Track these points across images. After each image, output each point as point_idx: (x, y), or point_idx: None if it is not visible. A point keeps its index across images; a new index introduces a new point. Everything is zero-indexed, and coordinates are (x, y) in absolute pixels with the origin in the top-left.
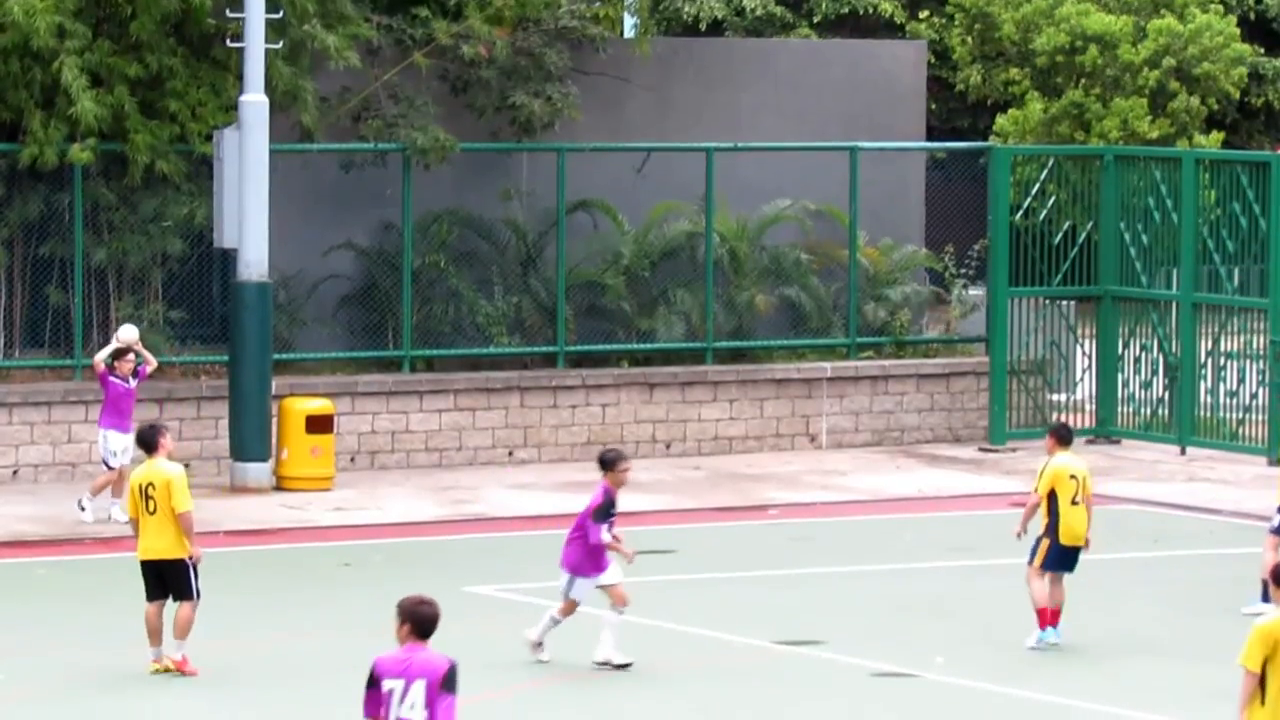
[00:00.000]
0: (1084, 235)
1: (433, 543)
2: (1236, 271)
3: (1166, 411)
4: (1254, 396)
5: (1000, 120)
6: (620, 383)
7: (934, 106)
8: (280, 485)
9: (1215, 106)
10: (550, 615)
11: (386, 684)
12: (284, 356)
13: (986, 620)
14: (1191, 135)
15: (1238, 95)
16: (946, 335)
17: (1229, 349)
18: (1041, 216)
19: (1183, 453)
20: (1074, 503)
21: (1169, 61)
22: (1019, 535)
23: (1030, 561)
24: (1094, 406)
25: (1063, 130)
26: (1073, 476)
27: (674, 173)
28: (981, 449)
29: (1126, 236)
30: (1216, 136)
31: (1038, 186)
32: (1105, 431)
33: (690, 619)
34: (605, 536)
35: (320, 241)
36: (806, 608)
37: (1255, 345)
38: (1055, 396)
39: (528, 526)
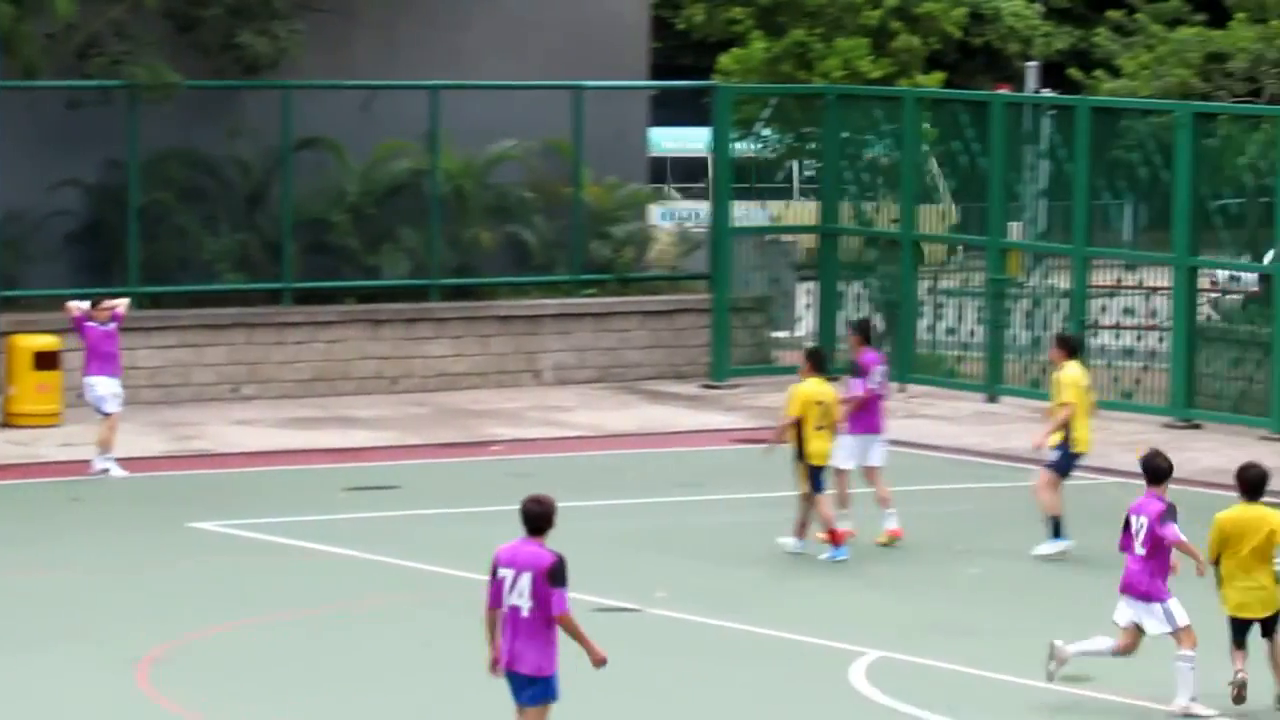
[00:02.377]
0: (806, 174)
1: (158, 478)
2: (957, 210)
3: (887, 348)
4: (972, 334)
5: (723, 59)
6: (346, 319)
7: (658, 45)
8: (8, 421)
9: (936, 46)
10: None
11: (501, 572)
12: (10, 293)
13: (707, 554)
14: (912, 75)
15: (959, 35)
16: (670, 273)
17: (948, 286)
18: (764, 155)
19: (902, 390)
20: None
21: (891, 1)
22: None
23: None
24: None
25: (786, 69)
26: (819, 402)
27: (400, 111)
28: (704, 385)
29: (848, 175)
30: (937, 76)
31: (760, 125)
32: (825, 369)
33: (415, 554)
34: None
35: (47, 179)
36: None
37: (974, 283)
38: (777, 333)
39: (253, 463)
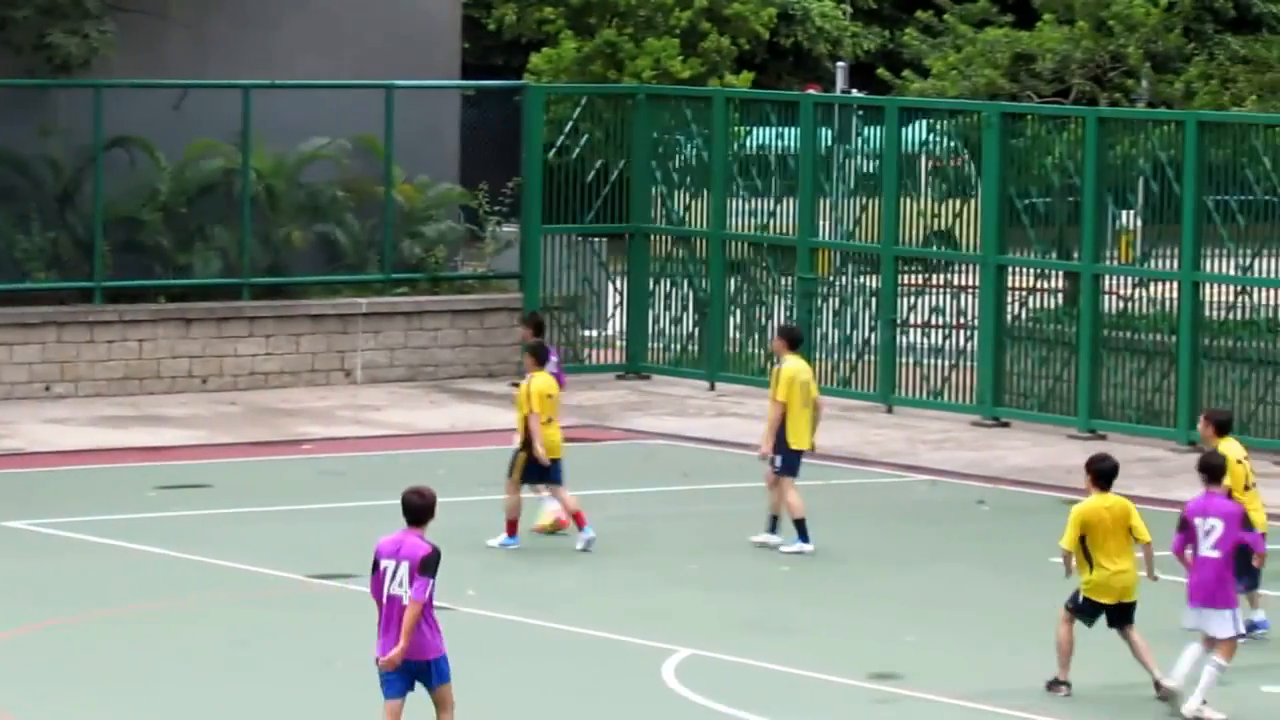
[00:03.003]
0: (617, 173)
1: None
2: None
3: (696, 347)
4: None
5: (534, 59)
6: (157, 318)
7: (469, 45)
8: None
9: (746, 46)
10: None
11: (383, 563)
12: None
13: (518, 552)
14: (722, 75)
15: (767, 36)
16: (481, 272)
17: (758, 285)
18: (575, 155)
19: (712, 388)
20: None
21: (700, 2)
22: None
23: None
24: (625, 343)
25: (596, 69)
26: (549, 395)
27: (213, 110)
28: (514, 384)
29: (658, 174)
30: (747, 76)
31: (571, 125)
32: (636, 367)
33: (225, 553)
34: None
35: None
36: (338, 541)
37: (784, 283)
38: (588, 332)
39: (64, 461)
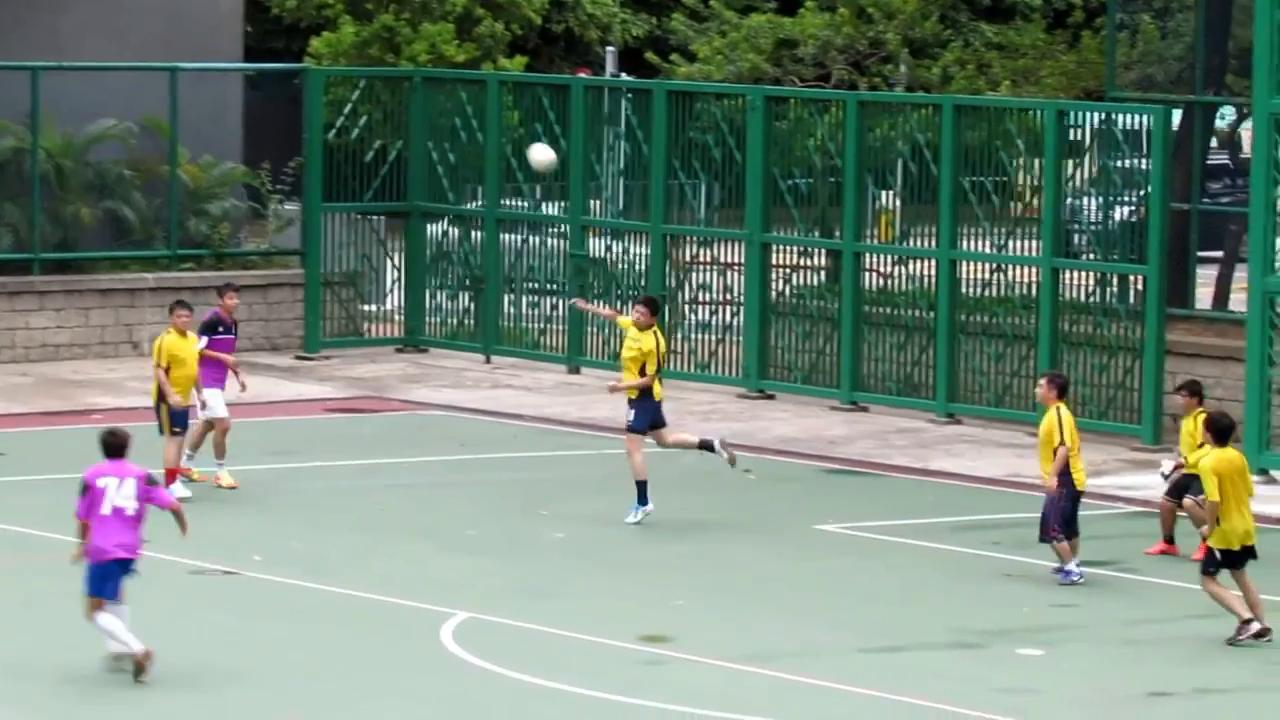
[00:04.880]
0: (395, 154)
1: None
2: (539, 189)
3: (472, 322)
4: (554, 307)
5: (315, 43)
6: None
7: (251, 29)
8: None
9: (519, 32)
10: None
11: (101, 482)
12: None
13: (303, 519)
14: (496, 59)
15: (540, 21)
16: (264, 248)
17: (531, 262)
18: (354, 136)
19: (488, 361)
20: None
21: None
22: None
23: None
24: (403, 317)
25: (374, 53)
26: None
27: (2, 91)
28: (298, 357)
29: (435, 155)
30: (520, 60)
31: (350, 107)
32: (414, 341)
33: (16, 518)
34: None
35: None
36: None
37: (556, 259)
38: (367, 307)
39: None
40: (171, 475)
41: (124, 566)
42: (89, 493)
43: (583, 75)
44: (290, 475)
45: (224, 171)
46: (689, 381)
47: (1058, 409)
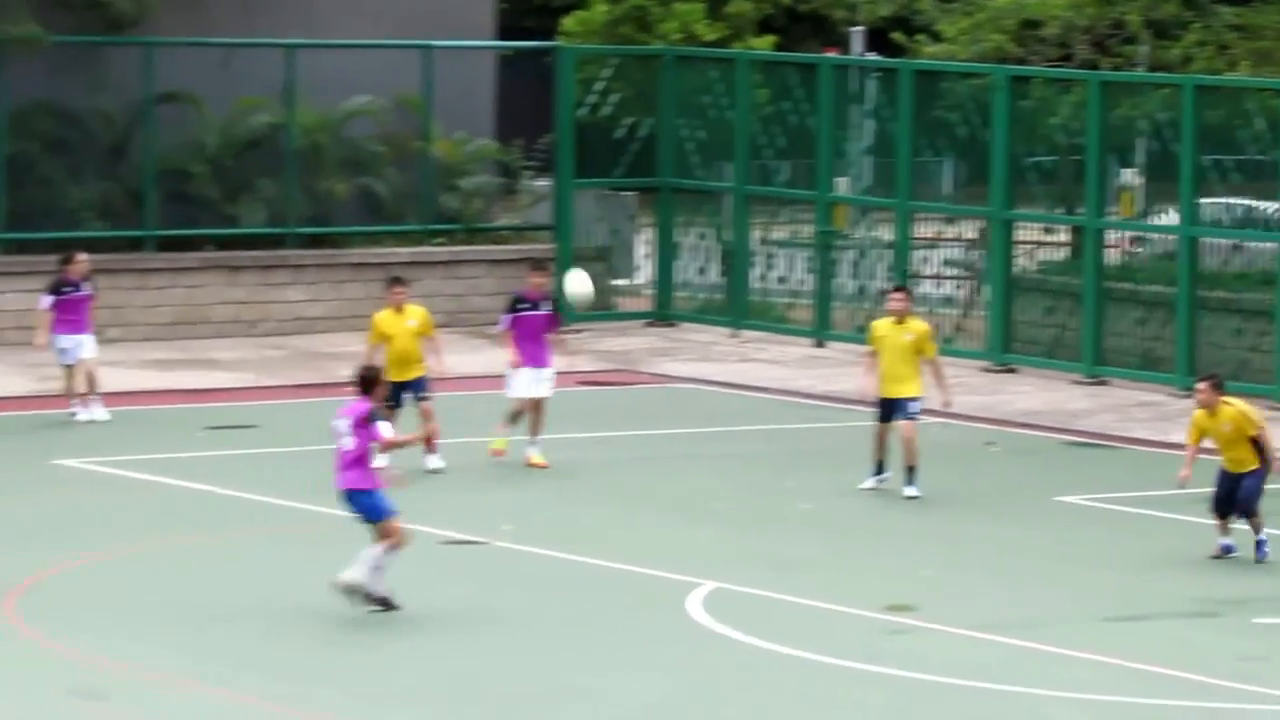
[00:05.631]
0: (645, 131)
1: (23, 417)
2: (786, 166)
3: (721, 296)
4: (801, 282)
5: (566, 21)
6: (205, 265)
7: (505, 7)
8: None
9: (769, 11)
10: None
11: (335, 423)
12: None
13: (553, 490)
14: (746, 38)
15: (788, 1)
16: (515, 223)
17: (779, 238)
18: (605, 113)
19: (736, 335)
20: None
21: None
22: None
23: None
24: (653, 291)
25: (625, 31)
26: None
27: (258, 68)
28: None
29: (684, 132)
30: (769, 39)
31: (601, 85)
32: (663, 315)
33: (270, 489)
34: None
35: None
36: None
37: (803, 235)
38: (618, 282)
39: (115, 402)
40: (429, 443)
41: (348, 499)
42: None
43: (830, 54)
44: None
45: (476, 148)
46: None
47: (1227, 403)
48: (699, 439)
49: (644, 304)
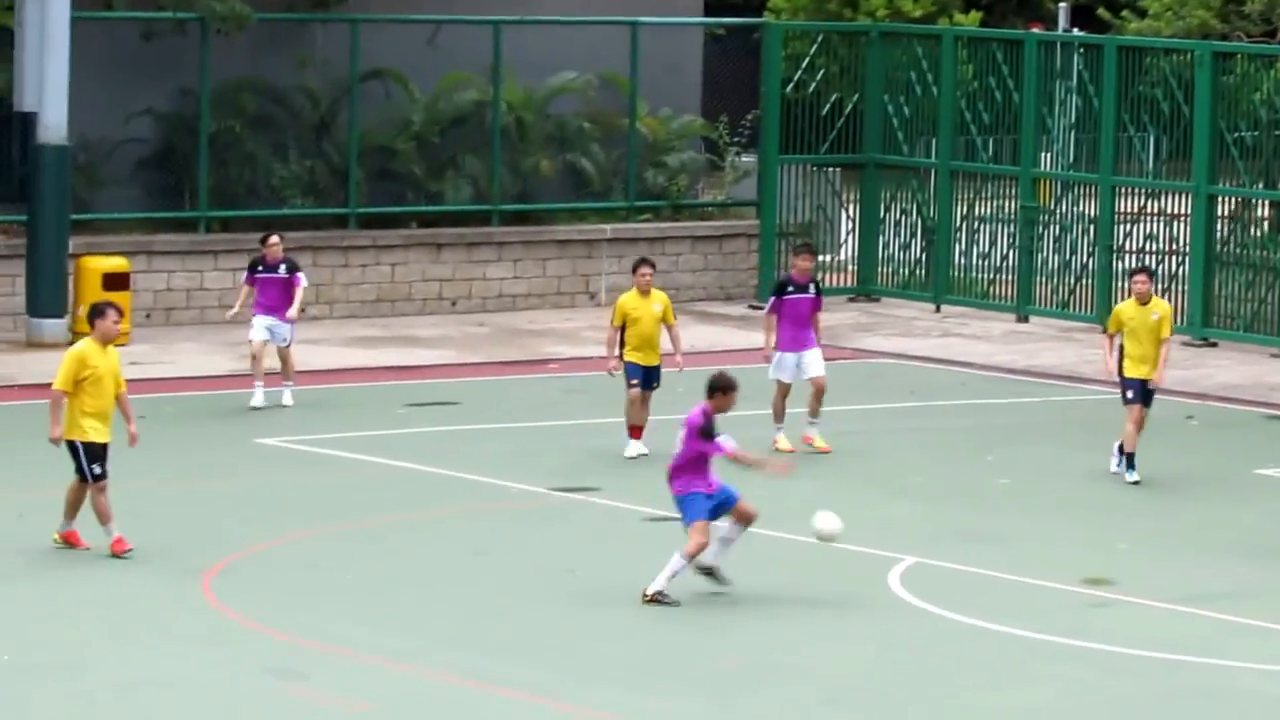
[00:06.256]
0: (850, 107)
1: (225, 396)
2: (990, 142)
3: (923, 272)
4: (1004, 258)
5: None
6: (409, 243)
7: None
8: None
9: None
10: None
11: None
12: (82, 216)
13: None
14: (951, 14)
15: None
16: (720, 200)
17: (982, 214)
18: (811, 89)
19: (938, 310)
20: None
21: None
22: None
23: None
24: (856, 267)
25: (832, 8)
26: None
27: (464, 45)
28: (751, 306)
29: (890, 108)
30: (974, 15)
31: (807, 61)
32: (866, 290)
33: (471, 467)
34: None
35: (121, 108)
36: (580, 456)
37: (1006, 210)
38: (822, 258)
39: (318, 380)
40: (636, 431)
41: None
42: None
43: (1035, 30)
44: (737, 423)
45: (682, 124)
46: None
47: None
48: (899, 414)
49: (847, 279)
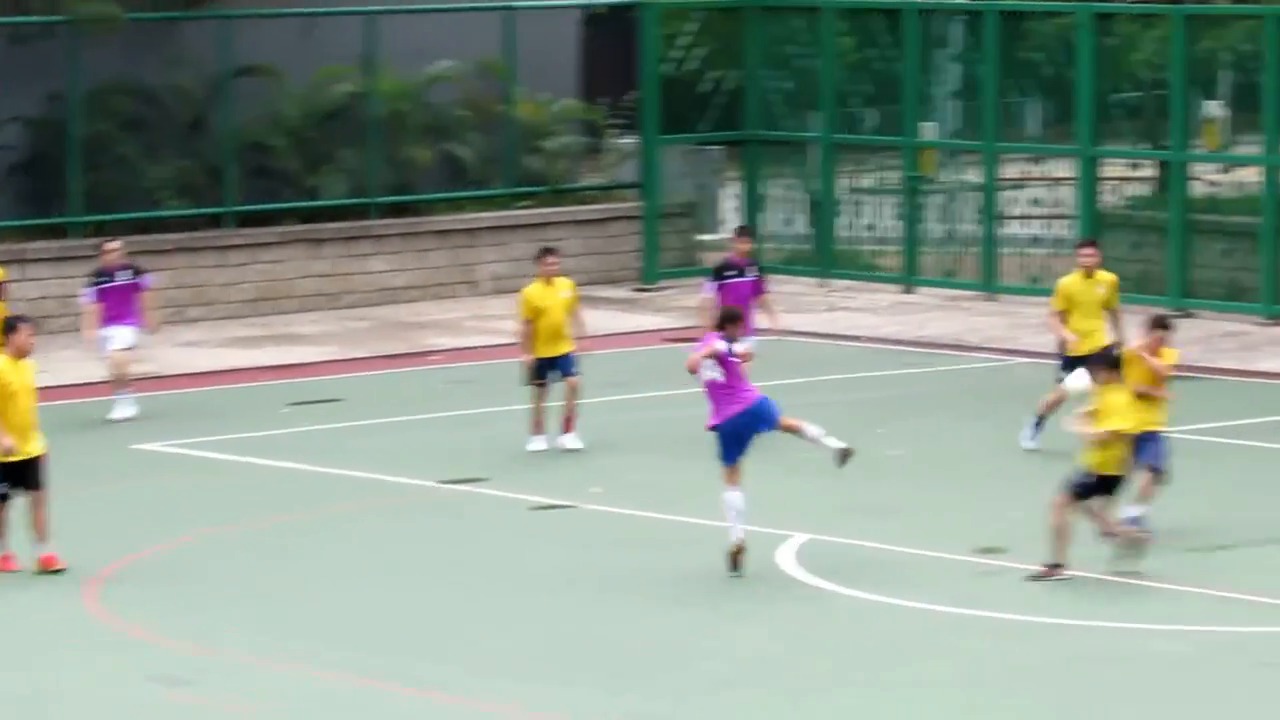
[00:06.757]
0: (731, 85)
1: (104, 402)
2: (872, 113)
3: (810, 246)
4: (889, 229)
5: None
6: (286, 239)
7: None
8: None
9: None
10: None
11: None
12: None
13: (641, 449)
14: None
15: None
16: (601, 183)
17: (867, 186)
18: (691, 68)
19: (824, 284)
20: None
21: None
22: None
23: None
24: None
25: None
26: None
27: (338, 37)
28: (635, 289)
29: (770, 84)
30: None
31: (686, 39)
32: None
33: (356, 463)
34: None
35: None
36: (467, 447)
37: (891, 182)
38: (705, 236)
39: (198, 383)
40: (568, 423)
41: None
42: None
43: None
44: (628, 406)
45: (560, 108)
46: (1021, 295)
47: None
48: (788, 390)
49: None
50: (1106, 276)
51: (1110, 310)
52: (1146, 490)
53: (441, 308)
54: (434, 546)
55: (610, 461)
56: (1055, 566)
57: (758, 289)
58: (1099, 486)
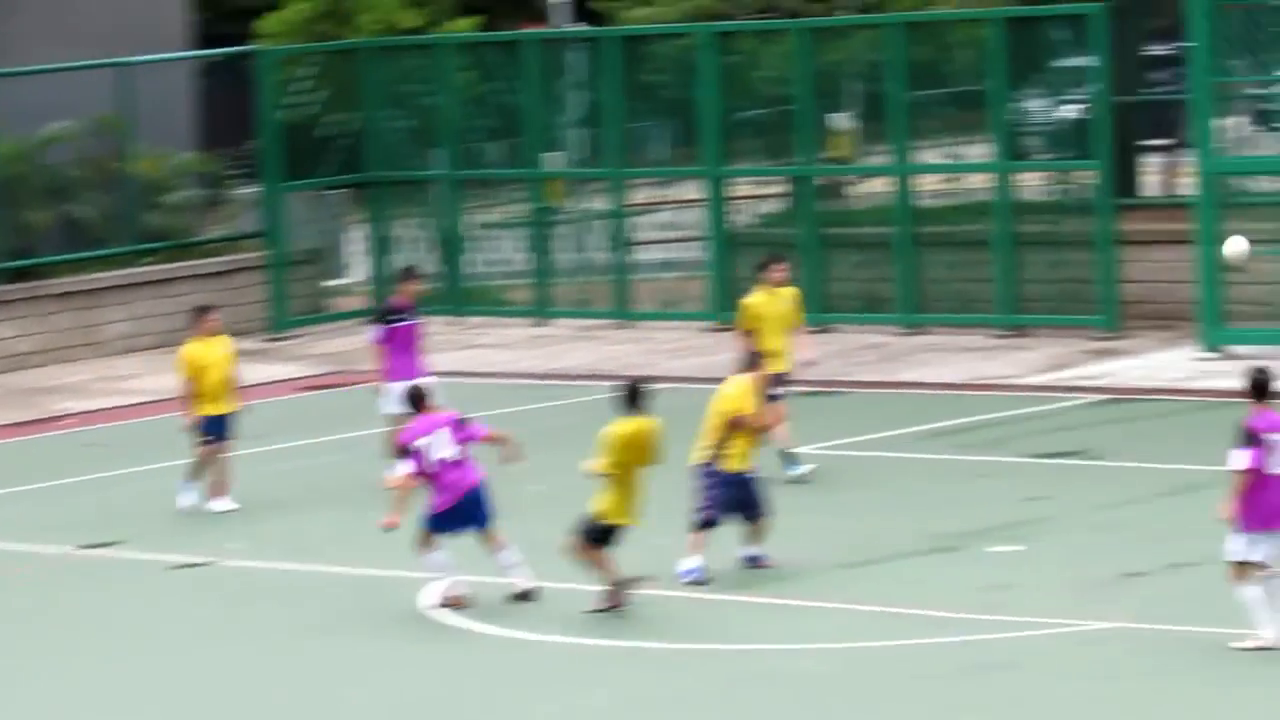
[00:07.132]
0: (351, 128)
1: None
2: (496, 147)
3: (440, 285)
4: (520, 263)
5: (264, 22)
6: None
7: (209, 15)
8: None
9: None
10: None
11: (418, 443)
12: None
13: (281, 501)
14: (441, 23)
15: None
16: (225, 234)
17: (495, 220)
18: (310, 112)
19: (458, 322)
20: None
21: None
22: None
23: None
24: (371, 288)
25: (324, 28)
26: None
27: None
28: (266, 339)
29: (392, 124)
30: (472, 21)
31: (305, 84)
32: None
33: None
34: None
35: None
36: (105, 510)
37: (519, 214)
38: (332, 282)
39: None
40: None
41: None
42: (414, 455)
43: (532, 29)
44: (266, 457)
45: (180, 161)
46: (656, 321)
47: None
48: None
49: (360, 302)
50: (790, 292)
51: (793, 327)
52: (756, 533)
53: (68, 371)
54: (73, 612)
55: (250, 514)
56: (618, 587)
57: (420, 331)
58: (605, 534)
